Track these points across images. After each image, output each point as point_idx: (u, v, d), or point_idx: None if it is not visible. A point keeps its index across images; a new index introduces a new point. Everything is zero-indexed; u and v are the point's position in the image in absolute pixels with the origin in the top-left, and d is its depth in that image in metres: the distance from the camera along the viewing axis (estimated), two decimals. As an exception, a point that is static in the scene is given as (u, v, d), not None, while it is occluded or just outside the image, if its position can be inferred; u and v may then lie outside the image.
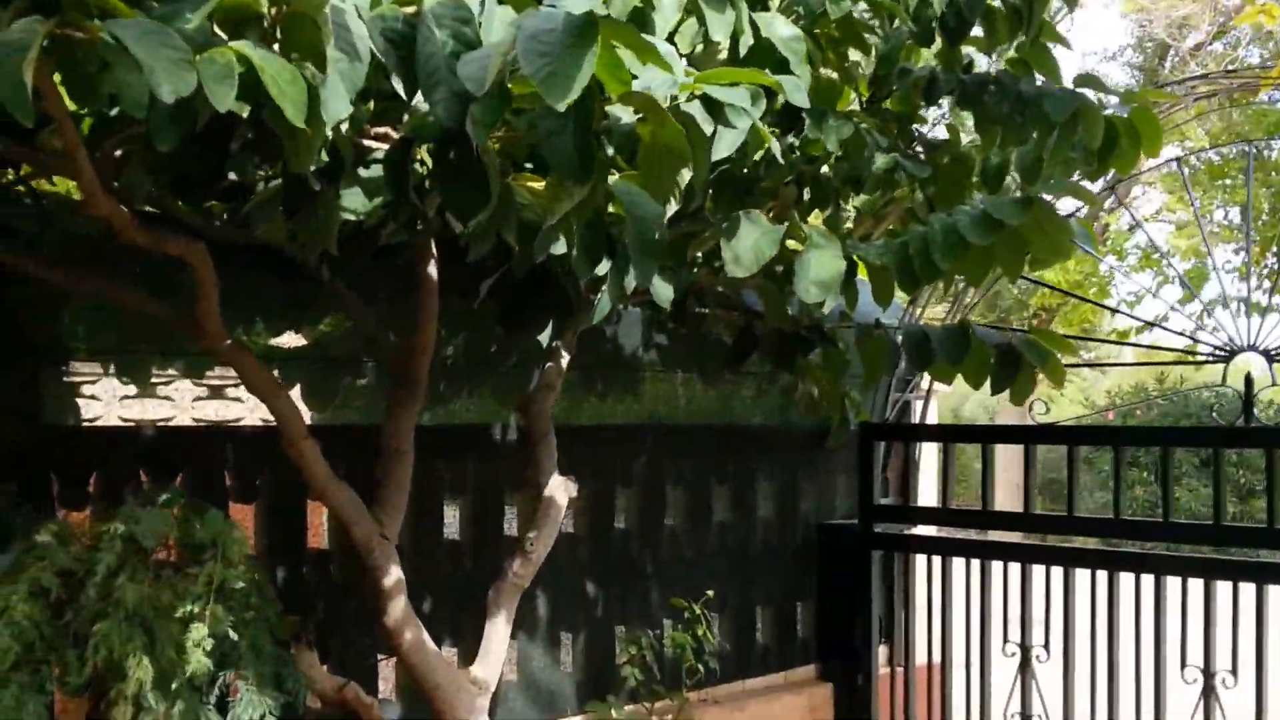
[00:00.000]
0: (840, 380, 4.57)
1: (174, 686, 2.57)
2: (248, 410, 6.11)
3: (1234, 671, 4.01)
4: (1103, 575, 4.31)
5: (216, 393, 5.81)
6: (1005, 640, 4.61)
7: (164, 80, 1.66)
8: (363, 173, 2.42)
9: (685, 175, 2.26)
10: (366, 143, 2.38)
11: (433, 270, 3.46)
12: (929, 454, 5.39)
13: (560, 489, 3.69)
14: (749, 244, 3.21)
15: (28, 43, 1.63)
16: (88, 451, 3.21)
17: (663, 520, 4.57)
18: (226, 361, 2.98)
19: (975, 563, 4.67)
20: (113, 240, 2.88)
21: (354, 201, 2.38)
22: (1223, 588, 4.00)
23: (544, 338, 3.36)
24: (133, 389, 3.45)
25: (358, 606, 3.54)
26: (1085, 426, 4.75)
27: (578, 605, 4.28)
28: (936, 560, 4.82)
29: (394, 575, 3.30)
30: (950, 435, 4.88)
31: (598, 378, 4.32)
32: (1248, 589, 3.99)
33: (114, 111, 2.33)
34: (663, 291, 3.29)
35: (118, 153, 2.63)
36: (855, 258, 3.39)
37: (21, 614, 2.45)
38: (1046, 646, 4.49)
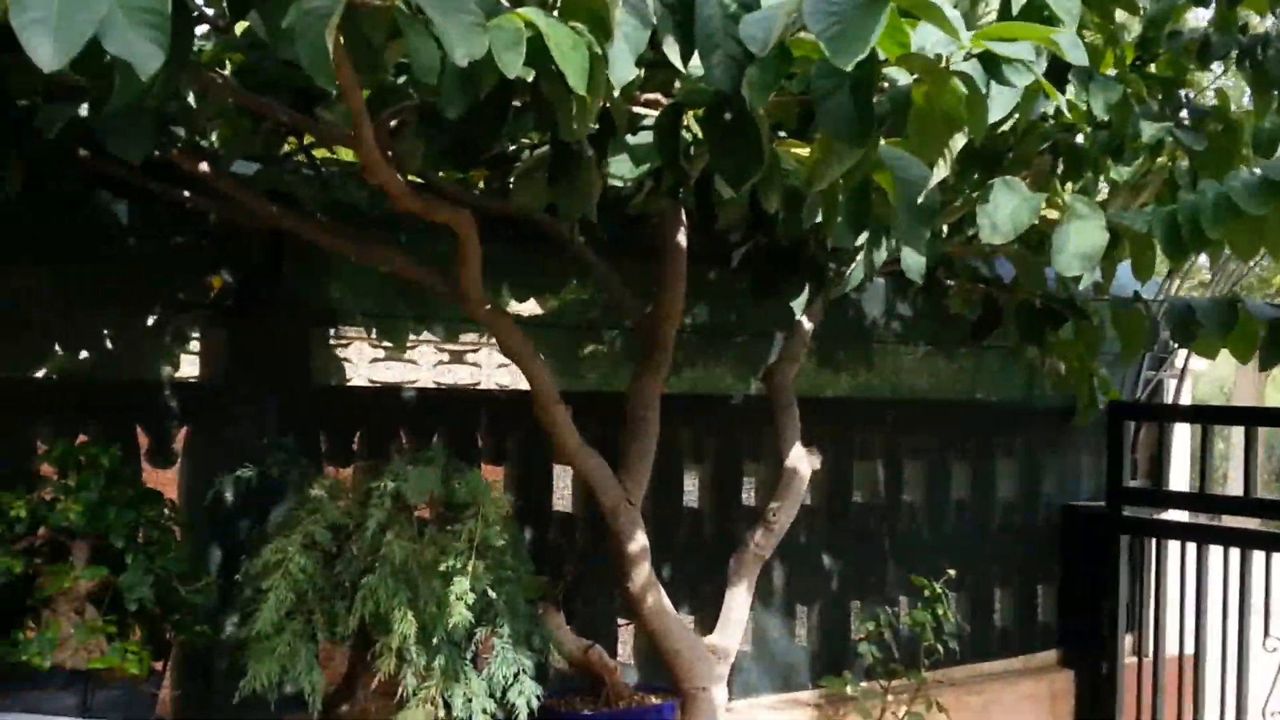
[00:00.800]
0: (1093, 356, 4.40)
1: (434, 641, 2.66)
2: (484, 375, 6.31)
3: None
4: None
5: (457, 358, 6.04)
6: (1266, 634, 4.38)
7: (458, 44, 1.70)
8: (629, 139, 2.44)
9: (958, 141, 2.20)
10: (635, 109, 2.39)
11: (681, 238, 3.48)
12: (1179, 436, 5.16)
13: (803, 461, 3.67)
14: (1007, 211, 3.11)
15: (330, 9, 1.69)
16: (351, 411, 3.35)
17: (900, 496, 4.51)
18: (486, 326, 3.06)
19: (1234, 551, 4.45)
20: (380, 208, 3.01)
21: (622, 168, 2.41)
22: None
23: (798, 306, 3.34)
24: (380, 352, 3.59)
25: (599, 570, 3.60)
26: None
27: (813, 579, 4.26)
28: (1191, 547, 4.61)
29: (639, 541, 3.34)
30: (1209, 416, 4.66)
31: (838, 349, 4.28)
32: None
33: (400, 80, 2.40)
34: (914, 262, 3.23)
35: (392, 122, 2.73)
36: (1119, 229, 3.25)
37: (296, 566, 2.57)
38: (1313, 642, 4.27)
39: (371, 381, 3.84)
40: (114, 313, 3.06)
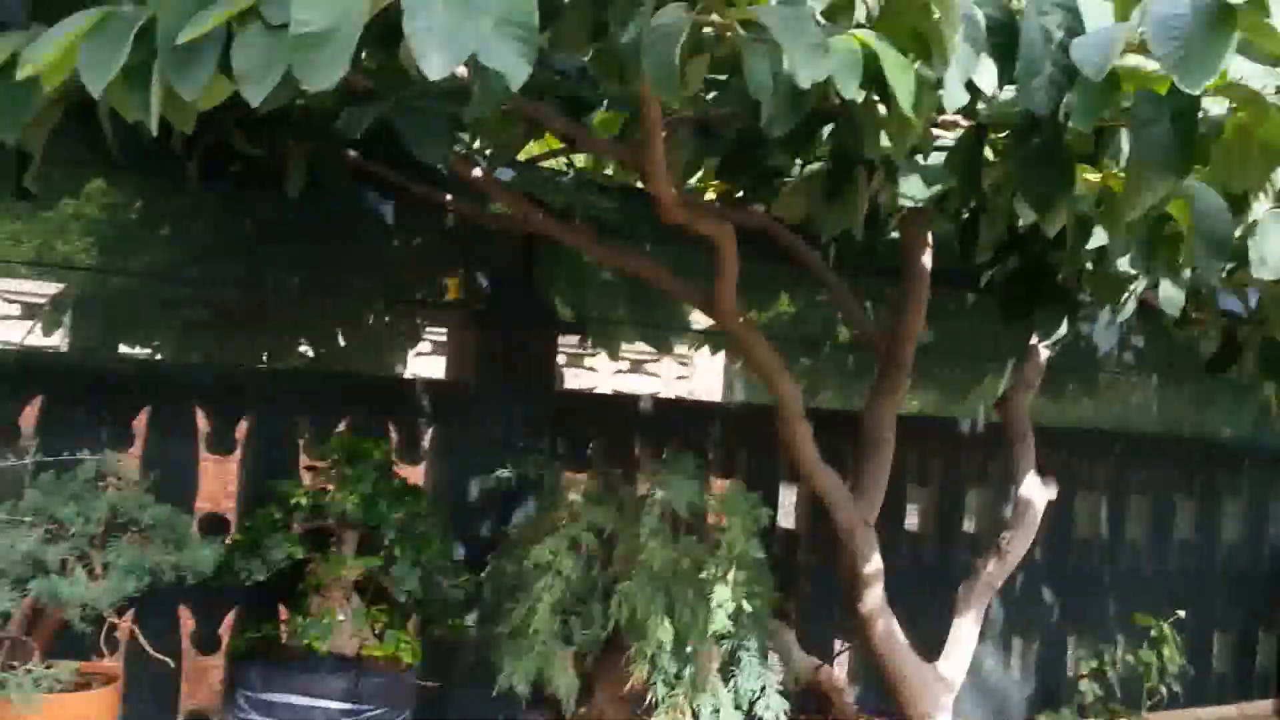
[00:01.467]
0: (1335, 396, 4.26)
1: (687, 649, 2.69)
2: (660, 385, 6.34)
3: None
4: None
5: (636, 367, 6.07)
6: None
7: (803, 66, 1.72)
8: (919, 160, 2.43)
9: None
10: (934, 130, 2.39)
11: (927, 259, 3.46)
12: None
13: (1038, 490, 3.61)
14: (1277, 245, 3.03)
15: (679, 29, 1.73)
16: (587, 417, 3.41)
17: (1121, 531, 4.41)
18: (738, 338, 3.08)
19: None
20: (634, 219, 3.06)
21: (914, 188, 2.40)
22: None
23: (1053, 332, 3.29)
24: (624, 363, 3.64)
25: (821, 589, 3.59)
26: None
27: (1029, 610, 4.19)
28: None
29: (874, 563, 3.33)
30: None
31: (1067, 378, 4.21)
32: None
33: (710, 96, 2.44)
34: (1173, 295, 3.15)
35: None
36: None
37: (566, 568, 2.62)
38: None
39: (615, 390, 3.86)
40: (373, 309, 3.16)
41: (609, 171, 3.44)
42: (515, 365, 3.26)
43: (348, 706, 2.56)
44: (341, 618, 2.57)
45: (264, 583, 2.64)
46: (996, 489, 4.13)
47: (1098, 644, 4.21)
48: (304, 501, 2.60)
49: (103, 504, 2.35)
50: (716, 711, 2.75)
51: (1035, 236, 2.93)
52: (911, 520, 4.07)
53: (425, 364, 3.20)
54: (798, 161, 2.79)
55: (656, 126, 2.32)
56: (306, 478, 2.93)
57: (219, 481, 2.98)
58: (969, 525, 4.05)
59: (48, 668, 2.26)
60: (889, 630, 3.40)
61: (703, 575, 2.67)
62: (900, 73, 1.85)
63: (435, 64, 1.51)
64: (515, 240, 3.23)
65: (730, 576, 2.67)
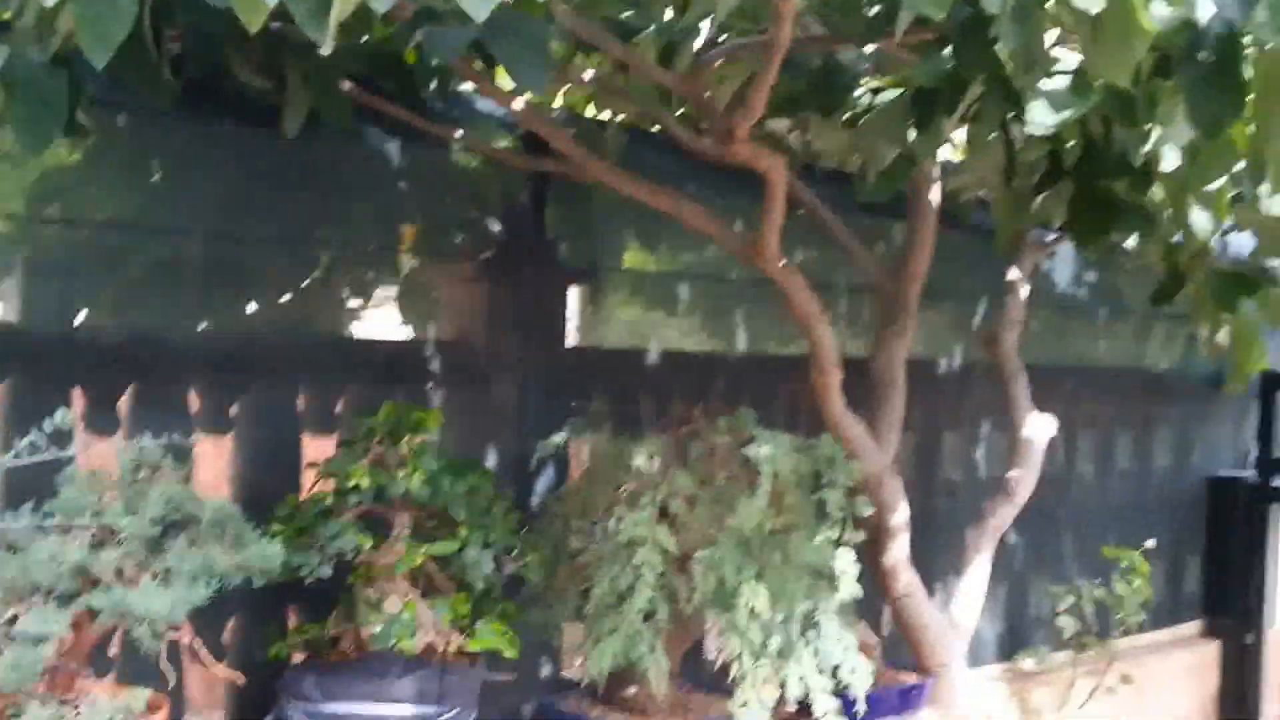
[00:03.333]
0: (1276, 324, 4.35)
1: (779, 618, 2.52)
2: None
3: None
4: None
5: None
6: None
7: None
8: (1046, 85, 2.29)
9: None
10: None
11: (935, 195, 3.36)
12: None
13: (1039, 428, 3.58)
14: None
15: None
16: (598, 373, 3.18)
17: (1074, 467, 4.44)
18: (780, 282, 2.90)
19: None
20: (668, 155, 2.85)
21: (1043, 115, 2.25)
22: None
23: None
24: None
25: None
26: None
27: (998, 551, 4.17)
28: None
29: (901, 513, 3.23)
30: (1376, 386, 4.65)
31: (1031, 315, 4.18)
32: None
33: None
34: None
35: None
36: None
37: (663, 539, 2.41)
38: None
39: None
40: (381, 262, 2.85)
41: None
42: (530, 320, 3.00)
43: (430, 710, 2.29)
44: (427, 612, 2.29)
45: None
46: (970, 430, 4.10)
47: (1064, 580, 4.23)
48: (365, 483, 2.30)
49: (158, 499, 2.01)
50: (803, 679, 2.59)
51: (1087, 165, 2.85)
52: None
53: (374, 322, 2.89)
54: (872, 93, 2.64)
55: (781, 50, 2.11)
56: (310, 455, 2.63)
57: (216, 467, 2.62)
58: (951, 469, 4.00)
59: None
60: (913, 581, 3.32)
61: (816, 540, 2.49)
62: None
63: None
64: (523, 183, 2.97)
65: (835, 537, 2.50)
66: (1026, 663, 4.23)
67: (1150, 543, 4.09)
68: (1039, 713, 4.17)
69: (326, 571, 2.26)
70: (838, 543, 2.59)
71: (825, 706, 2.60)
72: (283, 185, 2.69)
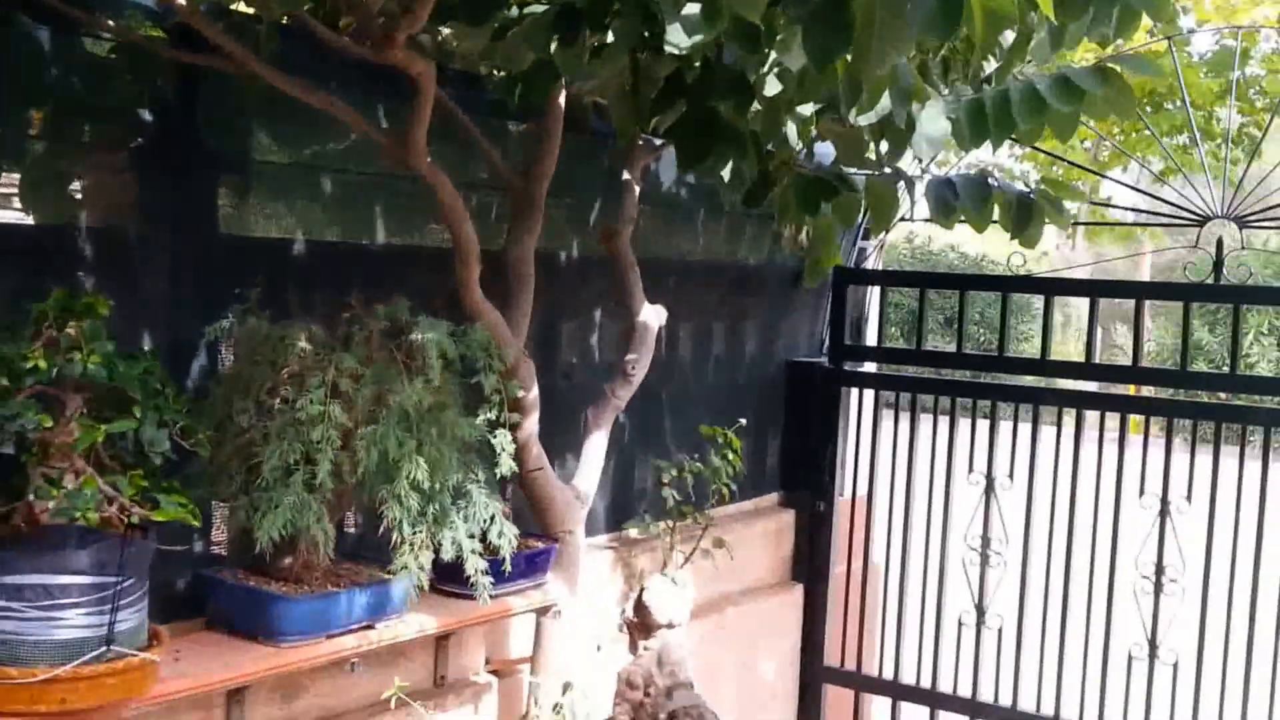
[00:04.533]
0: (850, 225, 5.02)
1: (435, 488, 2.85)
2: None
3: (1188, 498, 4.77)
4: (1067, 413, 5.01)
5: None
6: (970, 470, 5.24)
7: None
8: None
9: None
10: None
11: (560, 101, 3.71)
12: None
13: (653, 315, 4.06)
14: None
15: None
16: (250, 261, 3.35)
17: (675, 352, 4.98)
18: (427, 179, 3.18)
19: (945, 400, 5.28)
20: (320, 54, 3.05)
21: (678, 37, 2.63)
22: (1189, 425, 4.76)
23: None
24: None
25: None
26: (1063, 278, 5.41)
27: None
28: (905, 397, 5.41)
29: (533, 394, 3.61)
30: (926, 282, 5.45)
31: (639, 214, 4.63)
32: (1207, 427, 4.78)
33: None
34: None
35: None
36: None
37: (338, 416, 2.67)
38: (1011, 476, 5.16)
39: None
40: (35, 150, 2.91)
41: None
42: (180, 210, 3.14)
43: (109, 579, 2.47)
44: (106, 488, 2.45)
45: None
46: (585, 318, 4.53)
47: (664, 456, 4.77)
48: (43, 364, 2.43)
49: None
50: (456, 543, 2.95)
51: (702, 84, 3.28)
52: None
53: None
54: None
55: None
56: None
57: None
58: (568, 354, 4.43)
59: None
60: (540, 455, 3.72)
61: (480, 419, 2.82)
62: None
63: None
64: (176, 71, 3.08)
65: (503, 418, 2.85)
66: (631, 531, 4.79)
67: (742, 421, 4.71)
68: (643, 575, 4.74)
69: (9, 449, 2.39)
70: (495, 423, 2.92)
71: (475, 565, 2.97)
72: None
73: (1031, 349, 4.91)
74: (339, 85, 3.23)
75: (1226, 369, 4.81)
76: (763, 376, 5.53)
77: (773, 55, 2.93)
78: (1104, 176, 7.08)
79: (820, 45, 2.47)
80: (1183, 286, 4.88)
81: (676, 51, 2.65)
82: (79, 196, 3.02)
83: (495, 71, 3.85)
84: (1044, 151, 5.62)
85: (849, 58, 2.65)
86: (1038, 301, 5.35)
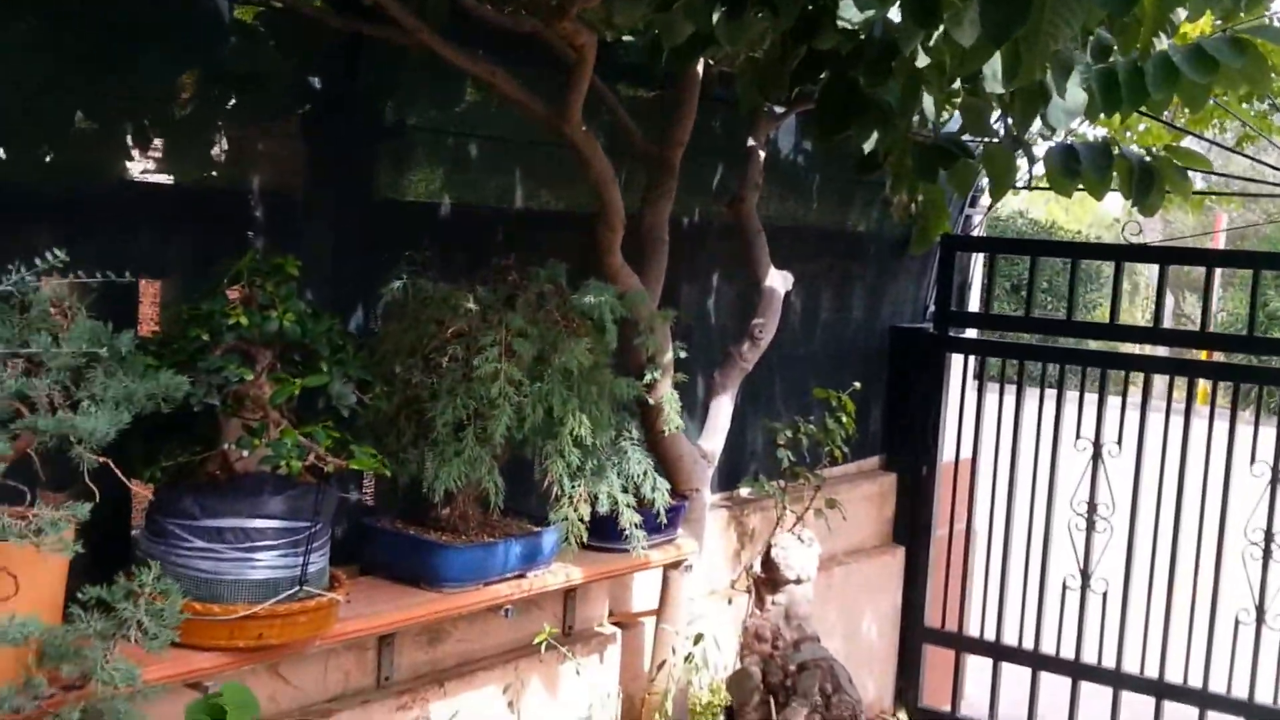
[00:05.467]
0: (966, 193, 5.14)
1: (594, 443, 3.03)
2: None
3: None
4: (1176, 380, 5.12)
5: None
6: (1077, 437, 5.35)
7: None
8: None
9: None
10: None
11: (699, 67, 3.86)
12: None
13: (779, 280, 4.21)
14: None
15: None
16: (406, 226, 3.53)
17: (786, 318, 5.13)
18: (579, 148, 3.34)
19: (1053, 368, 5.40)
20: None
21: (850, 11, 2.77)
22: None
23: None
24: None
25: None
26: (1179, 247, 5.50)
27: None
28: (1013, 364, 5.52)
29: (668, 355, 3.77)
30: (1036, 249, 5.55)
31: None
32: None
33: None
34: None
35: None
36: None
37: (514, 374, 2.85)
38: (1119, 443, 5.27)
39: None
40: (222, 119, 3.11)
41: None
42: (343, 174, 3.33)
43: (302, 524, 2.68)
44: (301, 440, 2.65)
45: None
46: (704, 281, 4.70)
47: (774, 417, 4.93)
48: (244, 321, 2.62)
49: (81, 330, 2.29)
50: (611, 496, 3.13)
51: (850, 57, 3.41)
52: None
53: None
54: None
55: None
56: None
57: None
58: (687, 316, 4.59)
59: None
60: (671, 415, 3.89)
61: (604, 374, 3.00)
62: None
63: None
64: (341, 38, 3.26)
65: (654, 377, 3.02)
66: (742, 491, 4.96)
67: (857, 384, 4.86)
68: (754, 533, 4.92)
69: (215, 401, 2.59)
70: (650, 382, 3.09)
71: (630, 520, 3.15)
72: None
73: (1103, 317, 5.06)
74: (486, 54, 3.39)
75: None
76: (867, 342, 5.68)
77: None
78: (1219, 145, 7.11)
79: (997, 20, 2.59)
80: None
81: (848, 25, 2.79)
82: (251, 161, 3.21)
83: (627, 38, 4.00)
84: (1163, 122, 5.67)
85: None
86: (1107, 269, 5.43)
